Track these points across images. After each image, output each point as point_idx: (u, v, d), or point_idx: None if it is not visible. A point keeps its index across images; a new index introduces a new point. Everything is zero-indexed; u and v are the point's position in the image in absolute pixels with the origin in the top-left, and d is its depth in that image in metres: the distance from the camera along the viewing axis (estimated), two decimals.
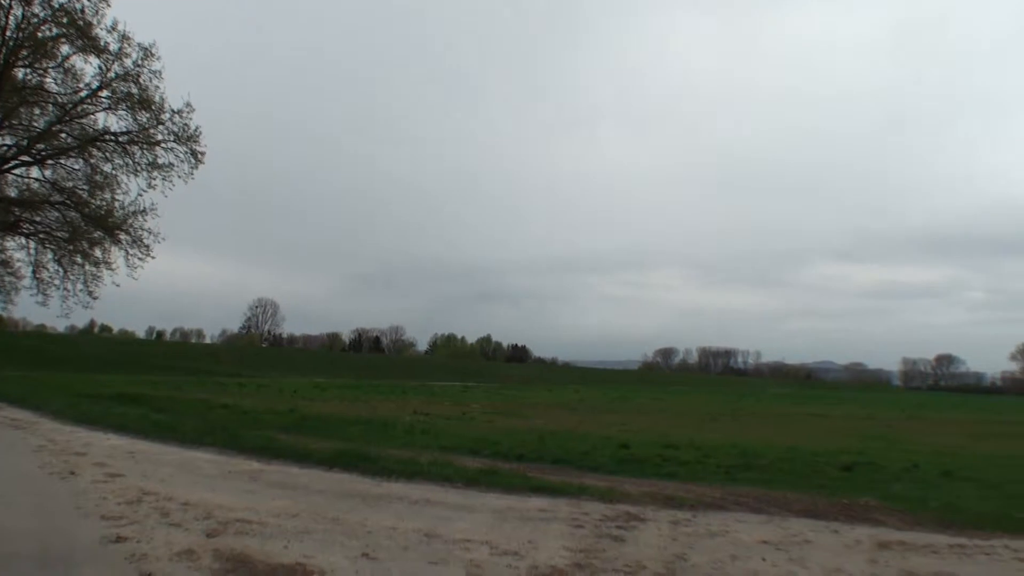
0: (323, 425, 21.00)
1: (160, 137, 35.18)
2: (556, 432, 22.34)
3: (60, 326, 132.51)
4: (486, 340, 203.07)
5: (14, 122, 35.19)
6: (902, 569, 8.16)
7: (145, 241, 36.25)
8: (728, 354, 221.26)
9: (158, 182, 35.38)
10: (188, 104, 35.02)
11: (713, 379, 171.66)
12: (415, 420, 24.83)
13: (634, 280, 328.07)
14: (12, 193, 37.46)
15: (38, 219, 37.58)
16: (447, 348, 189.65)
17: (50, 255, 37.55)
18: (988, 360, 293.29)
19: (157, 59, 33.95)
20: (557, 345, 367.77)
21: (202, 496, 10.23)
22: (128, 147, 35.21)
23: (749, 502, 11.97)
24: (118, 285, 37.22)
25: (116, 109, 34.85)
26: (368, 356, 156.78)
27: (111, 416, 20.18)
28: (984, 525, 11.00)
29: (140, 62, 33.86)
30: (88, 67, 34.31)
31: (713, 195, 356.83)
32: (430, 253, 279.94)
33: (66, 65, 34.48)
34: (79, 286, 37.18)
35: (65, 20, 32.90)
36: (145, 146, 35.27)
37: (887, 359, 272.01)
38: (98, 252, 37.22)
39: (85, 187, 36.75)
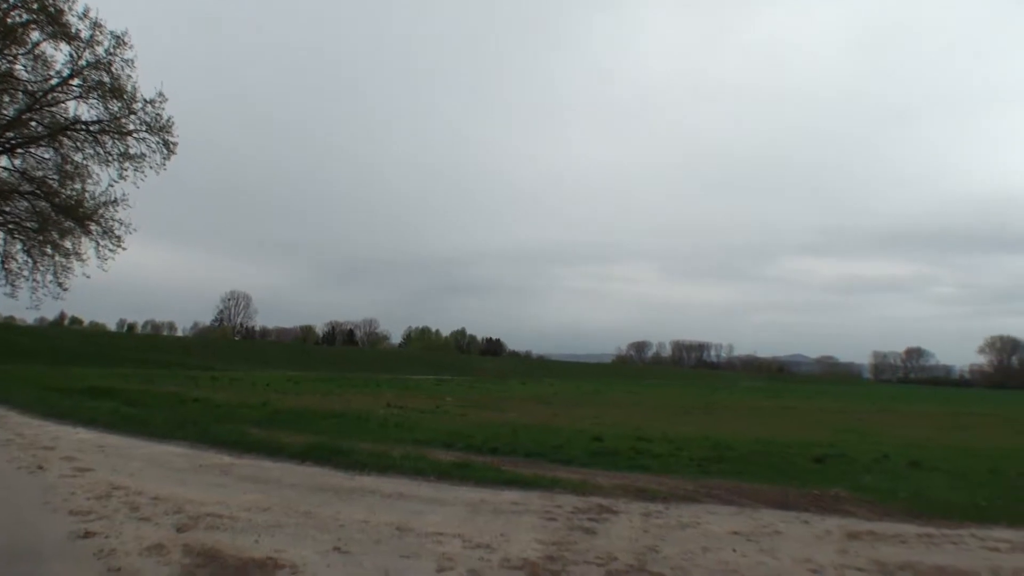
0: (296, 419, 20.89)
1: (132, 127, 34.83)
2: (530, 425, 22.35)
3: (29, 318, 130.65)
4: (460, 333, 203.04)
5: None
6: (871, 559, 8.24)
7: (116, 232, 35.94)
8: (701, 348, 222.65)
9: (130, 172, 35.07)
10: (160, 94, 34.68)
11: (686, 372, 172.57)
12: (389, 413, 24.73)
13: (608, 274, 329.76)
14: None
15: (7, 209, 37.11)
16: (421, 341, 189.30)
17: (19, 245, 37.16)
18: (957, 353, 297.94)
19: (129, 47, 33.56)
20: (532, 338, 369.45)
21: (172, 490, 10.16)
22: (99, 136, 34.82)
23: (721, 494, 12.04)
24: (88, 276, 36.90)
25: (87, 98, 34.45)
26: (341, 349, 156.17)
27: (81, 410, 19.99)
28: (952, 514, 11.15)
29: (112, 50, 33.48)
30: (59, 54, 33.90)
31: (685, 189, 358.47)
32: (404, 246, 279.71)
33: (36, 52, 34.01)
34: (49, 277, 36.86)
35: (36, 6, 32.46)
36: (116, 136, 34.88)
37: (858, 352, 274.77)
38: (68, 243, 36.87)
39: (55, 177, 36.35)
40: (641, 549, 8.15)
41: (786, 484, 13.17)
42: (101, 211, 35.76)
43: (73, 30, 32.84)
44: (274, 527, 8.34)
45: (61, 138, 35.12)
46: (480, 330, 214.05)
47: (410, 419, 22.72)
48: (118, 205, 35.72)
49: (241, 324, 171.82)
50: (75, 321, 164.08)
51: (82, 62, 33.56)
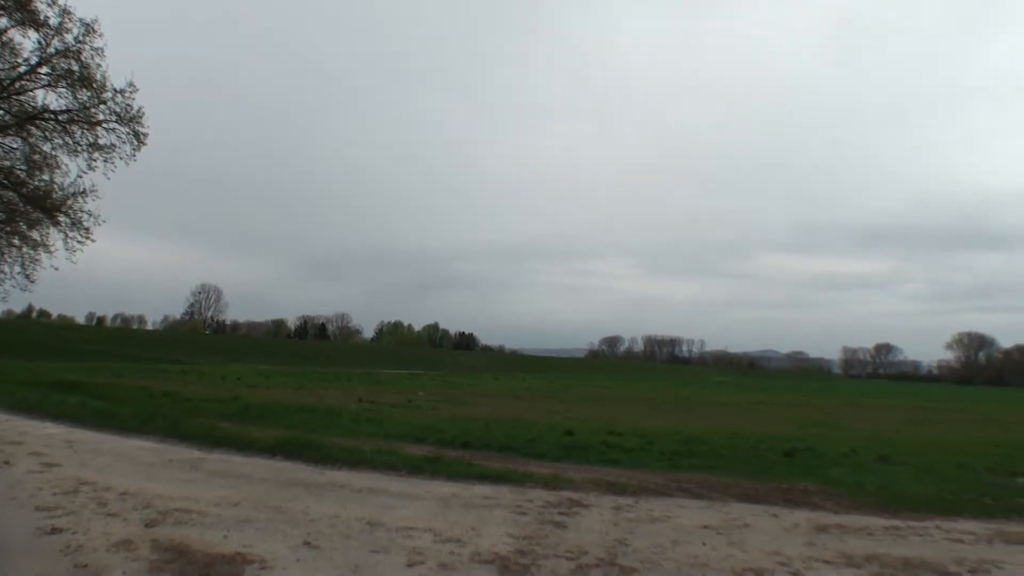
0: (267, 413, 20.81)
1: (101, 117, 34.27)
2: (502, 420, 22.41)
3: None
4: (433, 328, 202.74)
5: None
6: (839, 551, 8.33)
7: (85, 224, 35.35)
8: (673, 343, 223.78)
9: (99, 163, 34.51)
10: (131, 84, 34.16)
11: (658, 367, 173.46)
12: (361, 408, 24.71)
13: (581, 269, 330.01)
14: None
15: None
16: (394, 336, 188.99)
17: None
18: (925, 349, 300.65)
19: (99, 36, 33.03)
20: (504, 333, 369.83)
21: (141, 485, 10.08)
22: (68, 126, 34.30)
23: (691, 488, 12.13)
24: (57, 269, 36.35)
25: (56, 86, 33.87)
26: (313, 343, 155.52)
27: (49, 404, 19.77)
28: (918, 507, 11.33)
29: (81, 38, 32.90)
30: (27, 42, 33.32)
31: (659, 185, 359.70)
32: (377, 240, 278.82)
33: (3, 39, 33.45)
34: (16, 269, 36.23)
35: None
36: (86, 125, 34.39)
37: (828, 348, 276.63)
38: (36, 234, 36.31)
39: (23, 167, 35.79)
40: (611, 543, 8.19)
41: (755, 478, 13.30)
42: (70, 202, 35.24)
43: (42, 17, 32.27)
44: (244, 522, 8.29)
45: (29, 127, 34.54)
46: (453, 325, 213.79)
47: (382, 414, 22.71)
48: (87, 196, 35.16)
49: (212, 318, 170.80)
50: (43, 314, 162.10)
51: (51, 50, 33.00)
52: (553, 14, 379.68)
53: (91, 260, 37.04)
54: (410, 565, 7.00)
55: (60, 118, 34.24)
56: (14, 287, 36.29)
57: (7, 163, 35.77)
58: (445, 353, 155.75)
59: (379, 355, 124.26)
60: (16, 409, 18.97)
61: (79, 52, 33.02)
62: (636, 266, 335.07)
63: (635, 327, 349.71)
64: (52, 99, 34.16)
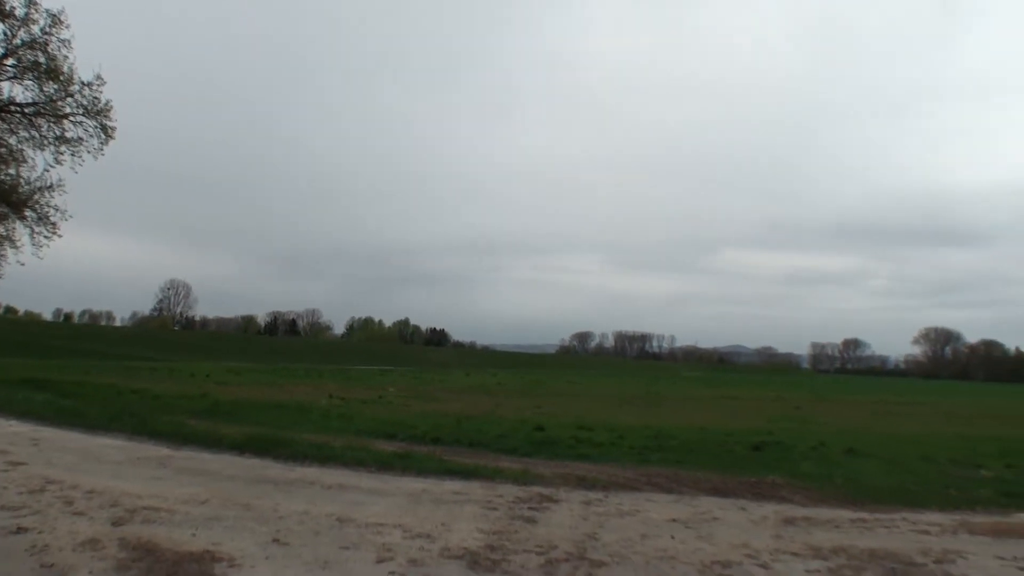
0: (236, 410, 20.69)
1: (68, 110, 33.87)
2: (473, 416, 22.40)
3: None
4: (404, 323, 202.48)
5: None
6: (806, 543, 8.43)
7: (52, 218, 34.96)
8: (643, 338, 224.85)
9: (66, 157, 34.10)
10: (99, 76, 33.76)
11: (628, 363, 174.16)
12: (331, 404, 24.63)
13: (552, 265, 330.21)
14: None
15: None
16: (364, 332, 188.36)
17: None
18: (892, 344, 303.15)
19: (66, 27, 32.64)
20: (476, 329, 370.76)
21: (108, 484, 10.00)
22: (34, 119, 33.86)
23: (660, 482, 12.22)
24: (23, 264, 35.91)
25: (22, 79, 33.42)
26: (284, 340, 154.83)
27: (14, 402, 19.53)
28: (885, 500, 11.49)
29: (48, 29, 32.47)
30: None
31: (630, 182, 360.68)
32: (348, 235, 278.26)
33: None
34: None
35: None
36: (52, 119, 33.96)
37: (797, 343, 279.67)
38: (2, 229, 35.85)
39: None
40: (581, 537, 8.24)
41: (724, 472, 13.41)
42: (36, 197, 34.82)
43: (7, 7, 31.83)
44: (212, 520, 8.26)
45: None
46: (424, 320, 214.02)
47: (352, 410, 22.66)
48: (54, 191, 34.77)
49: (181, 314, 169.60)
50: (10, 310, 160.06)
51: (16, 41, 32.56)
52: (525, 9, 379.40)
53: (58, 255, 36.55)
54: (380, 561, 7.00)
55: (26, 111, 33.78)
56: None
57: None
58: (416, 349, 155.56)
59: (350, 351, 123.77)
60: None
61: (46, 44, 32.58)
62: (607, 262, 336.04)
63: (606, 323, 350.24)
64: (18, 91, 33.70)
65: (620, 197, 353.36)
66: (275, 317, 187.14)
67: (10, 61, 33.14)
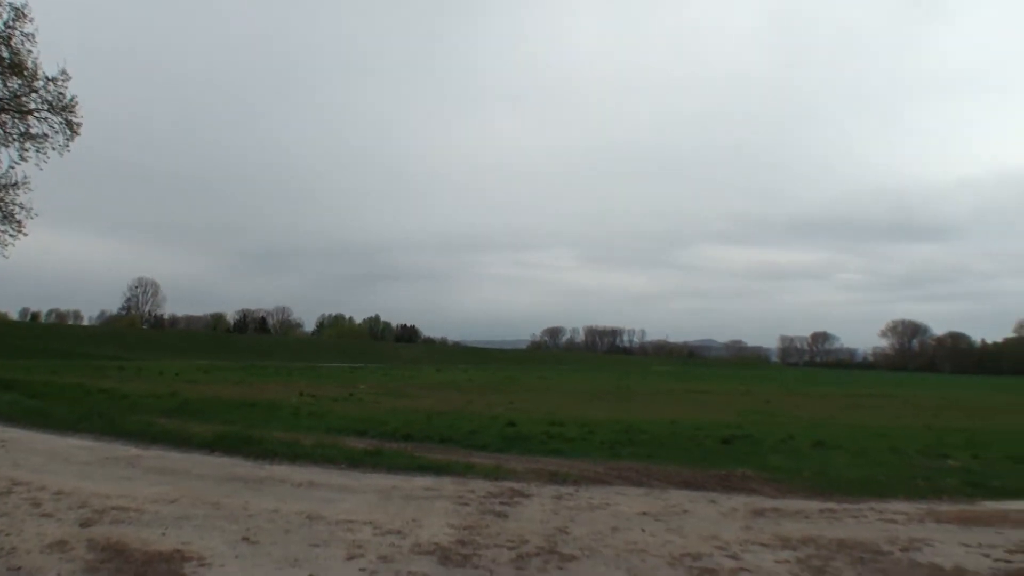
0: (206, 408, 20.57)
1: (33, 106, 33.45)
2: (444, 412, 22.42)
3: None
4: (374, 320, 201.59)
5: None
6: (775, 534, 8.52)
7: (17, 217, 34.49)
8: (614, 333, 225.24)
9: (31, 154, 33.67)
10: (64, 72, 33.32)
11: (599, 358, 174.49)
12: (301, 402, 24.53)
13: (523, 260, 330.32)
14: None
15: None
16: (335, 329, 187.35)
17: None
18: (860, 337, 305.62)
19: (30, 21, 32.21)
20: (447, 325, 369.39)
21: (76, 485, 9.90)
22: None
23: (631, 476, 12.29)
24: None
25: None
26: (253, 337, 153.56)
27: None
28: (853, 490, 11.64)
29: (11, 23, 32.00)
30: None
31: (601, 177, 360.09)
32: (317, 231, 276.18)
33: None
34: None
35: None
36: (16, 115, 33.51)
37: (766, 337, 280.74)
38: None
39: None
40: (552, 531, 8.27)
41: (694, 465, 13.52)
42: (1, 195, 34.35)
43: None
44: (181, 519, 8.21)
45: None
46: (395, 317, 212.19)
47: (323, 407, 22.59)
48: (19, 188, 34.31)
49: (150, 312, 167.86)
50: None
51: None
52: (497, 3, 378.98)
53: (24, 254, 36.08)
54: (350, 558, 6.99)
55: None
56: None
57: None
58: (387, 346, 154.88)
59: (320, 348, 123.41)
60: None
61: (9, 38, 32.08)
62: (577, 257, 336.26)
63: (577, 318, 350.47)
64: None
65: (591, 192, 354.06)
66: (245, 315, 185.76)
67: None
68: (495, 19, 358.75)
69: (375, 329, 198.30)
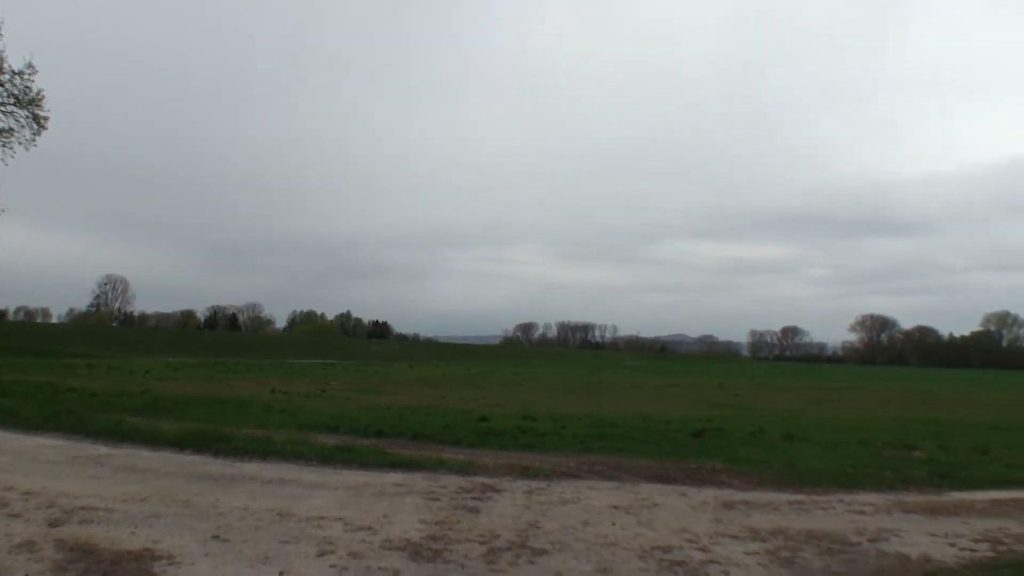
0: (176, 406, 20.37)
1: None
2: (417, 408, 22.35)
3: None
4: (346, 316, 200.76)
5: None
6: (744, 526, 8.62)
7: None
8: (586, 328, 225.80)
9: None
10: (30, 65, 32.92)
11: (572, 353, 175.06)
12: (273, 399, 24.37)
13: (495, 255, 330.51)
14: None
15: None
16: (306, 325, 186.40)
17: None
18: (830, 331, 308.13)
19: None
20: (419, 321, 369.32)
21: (45, 484, 9.81)
22: None
23: (602, 470, 12.35)
24: None
25: None
26: (224, 334, 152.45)
27: None
28: (822, 482, 11.79)
29: None
30: None
31: (572, 172, 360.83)
32: (288, 227, 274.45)
33: None
34: None
35: None
36: None
37: (736, 331, 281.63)
38: None
39: None
40: (523, 526, 8.32)
41: (665, 459, 13.61)
42: None
43: None
44: (151, 517, 8.17)
45: None
46: (367, 313, 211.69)
47: (294, 404, 22.46)
48: None
49: (119, 309, 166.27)
50: None
51: None
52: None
53: None
54: (320, 555, 7.00)
55: None
56: None
57: None
58: (359, 342, 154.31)
59: (292, 345, 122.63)
60: None
61: None
62: (549, 252, 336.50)
63: (549, 313, 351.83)
64: None
65: (562, 187, 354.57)
66: (215, 311, 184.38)
67: None
68: (464, 14, 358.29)
69: (347, 325, 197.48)
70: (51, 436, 14.52)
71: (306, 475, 11.15)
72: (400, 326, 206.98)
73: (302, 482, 10.58)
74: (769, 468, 12.87)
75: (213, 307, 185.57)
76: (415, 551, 7.19)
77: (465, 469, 11.89)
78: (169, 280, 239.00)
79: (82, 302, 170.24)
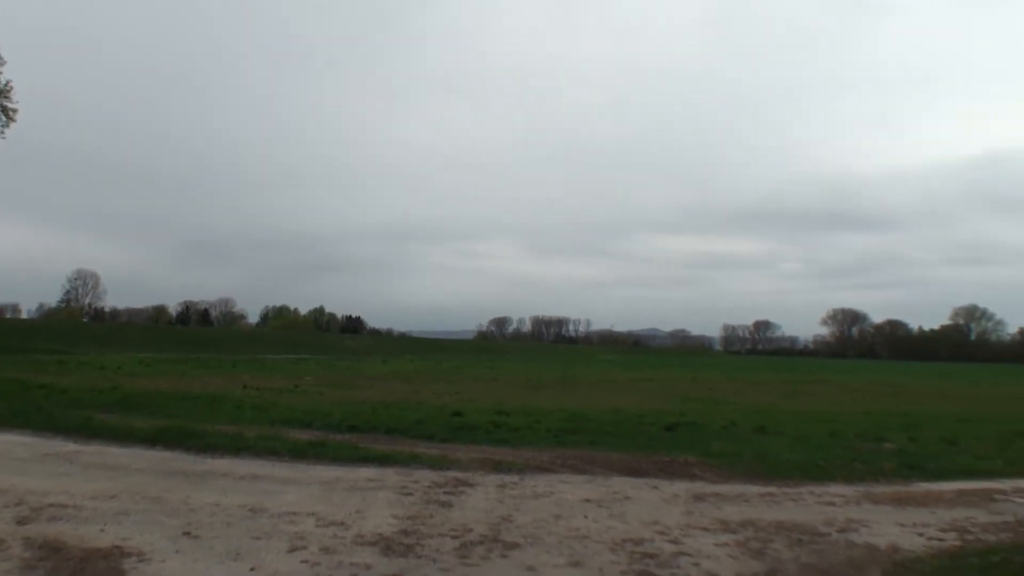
0: (148, 402, 20.23)
1: None
2: (390, 402, 22.33)
3: None
4: (319, 311, 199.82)
5: None
6: (715, 518, 8.71)
7: None
8: (560, 323, 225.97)
9: None
10: None
11: (546, 347, 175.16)
12: (245, 395, 24.27)
13: (469, 250, 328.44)
14: None
15: None
16: (279, 320, 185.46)
17: None
18: (801, 325, 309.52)
19: None
20: (392, 315, 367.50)
21: (13, 482, 9.71)
22: None
23: (575, 463, 12.40)
24: None
25: None
26: (196, 330, 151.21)
27: None
28: (793, 474, 11.91)
29: None
30: None
31: (547, 167, 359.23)
32: (260, 221, 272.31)
33: None
34: None
35: None
36: None
37: (709, 326, 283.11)
38: None
39: None
40: (495, 520, 8.35)
41: (638, 452, 13.69)
42: None
43: None
44: (121, 514, 8.13)
45: None
46: (340, 308, 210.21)
47: (267, 400, 22.38)
48: None
49: (90, 305, 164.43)
50: None
51: None
52: None
53: None
54: (292, 550, 7.00)
55: None
56: None
57: None
58: (332, 337, 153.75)
59: (264, 340, 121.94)
60: None
61: None
62: (523, 247, 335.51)
63: (523, 308, 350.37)
64: None
65: (536, 181, 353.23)
66: (187, 307, 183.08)
67: None
68: (438, 8, 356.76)
69: (320, 320, 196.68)
70: (20, 433, 14.38)
71: (278, 471, 11.13)
72: (374, 321, 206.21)
73: (274, 478, 10.55)
74: (741, 461, 12.97)
75: (185, 302, 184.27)
76: (387, 546, 7.20)
77: (438, 464, 11.90)
78: (140, 275, 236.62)
79: (52, 297, 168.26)
